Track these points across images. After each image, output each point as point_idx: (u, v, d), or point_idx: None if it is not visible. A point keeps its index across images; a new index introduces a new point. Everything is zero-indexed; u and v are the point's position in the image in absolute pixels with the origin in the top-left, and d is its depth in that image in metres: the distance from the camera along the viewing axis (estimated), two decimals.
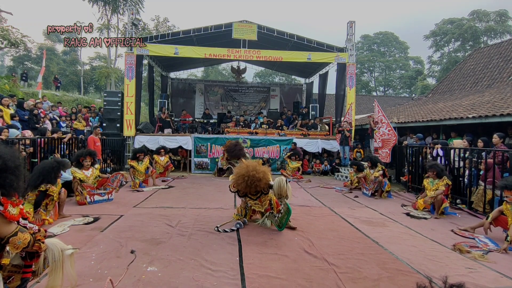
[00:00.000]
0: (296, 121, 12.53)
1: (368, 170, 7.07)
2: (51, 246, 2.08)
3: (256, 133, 11.03)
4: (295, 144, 10.14)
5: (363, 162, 7.99)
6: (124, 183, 7.10)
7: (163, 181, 8.36)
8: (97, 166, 6.11)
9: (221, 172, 9.56)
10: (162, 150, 9.25)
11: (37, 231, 2.05)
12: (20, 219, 1.98)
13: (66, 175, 5.48)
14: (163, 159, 9.07)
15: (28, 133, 6.38)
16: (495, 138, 5.58)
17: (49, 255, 2.06)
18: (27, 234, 1.92)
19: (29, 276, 2.06)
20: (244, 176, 3.95)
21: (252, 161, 4.23)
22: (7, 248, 1.87)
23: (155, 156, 8.89)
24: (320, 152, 10.98)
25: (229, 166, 8.91)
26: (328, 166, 10.61)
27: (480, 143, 5.78)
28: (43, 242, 2.03)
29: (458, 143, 6.59)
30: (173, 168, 9.82)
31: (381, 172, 6.72)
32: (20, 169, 1.95)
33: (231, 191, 4.35)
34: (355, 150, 10.35)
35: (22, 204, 2.07)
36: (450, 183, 5.32)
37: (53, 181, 4.18)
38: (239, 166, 4.15)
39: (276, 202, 4.20)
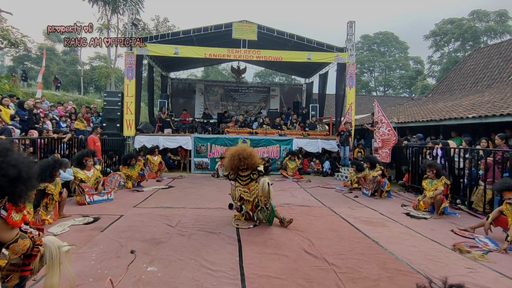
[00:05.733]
0: (294, 117, 12.61)
1: (368, 171, 7.07)
2: (48, 243, 2.06)
3: (256, 133, 11.03)
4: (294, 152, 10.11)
5: (362, 162, 7.98)
6: (123, 183, 7.11)
7: (157, 181, 8.35)
8: (98, 167, 6.12)
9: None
10: (156, 150, 9.23)
11: (36, 235, 2.05)
12: (22, 224, 1.98)
13: (66, 175, 5.48)
14: (156, 159, 9.04)
15: (36, 134, 6.41)
16: (497, 139, 5.58)
17: (47, 252, 2.05)
18: (27, 241, 1.92)
19: (28, 274, 2.06)
20: (235, 152, 4.36)
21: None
22: (4, 251, 1.87)
23: (148, 156, 8.84)
24: (320, 152, 10.98)
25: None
26: (329, 165, 10.60)
27: (483, 143, 5.78)
28: (41, 246, 2.03)
29: (451, 144, 6.64)
30: (166, 169, 9.77)
31: (380, 172, 6.72)
32: (32, 180, 1.94)
33: (226, 176, 4.68)
34: (356, 150, 10.36)
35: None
36: (449, 182, 5.30)
37: (48, 179, 4.16)
38: (229, 148, 4.75)
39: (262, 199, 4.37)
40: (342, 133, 9.86)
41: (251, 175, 4.41)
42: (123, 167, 7.36)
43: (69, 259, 2.17)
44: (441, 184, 5.16)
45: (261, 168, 4.42)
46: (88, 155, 5.74)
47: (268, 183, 4.10)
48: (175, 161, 10.85)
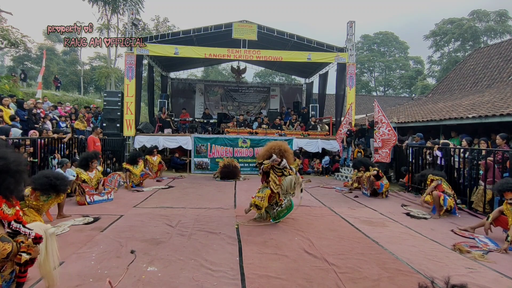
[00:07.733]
0: (293, 117, 12.62)
1: (362, 173, 7.09)
2: (35, 228, 2.09)
3: (256, 133, 11.02)
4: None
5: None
6: (122, 183, 7.12)
7: (157, 181, 8.34)
8: (100, 168, 6.13)
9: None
10: (155, 150, 9.22)
11: (32, 237, 1.99)
12: (13, 222, 1.96)
13: (67, 175, 5.48)
14: (155, 159, 9.02)
15: (37, 134, 6.41)
16: (498, 139, 5.58)
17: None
18: (8, 245, 1.81)
19: (24, 280, 2.09)
20: (274, 145, 4.53)
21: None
22: None
23: (147, 156, 8.82)
24: (320, 152, 10.97)
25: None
26: (328, 160, 10.58)
27: (483, 144, 5.78)
28: (29, 253, 1.95)
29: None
30: (166, 168, 9.76)
31: (374, 172, 6.65)
32: (21, 174, 1.97)
33: (259, 163, 4.65)
34: (356, 150, 10.35)
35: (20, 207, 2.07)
36: (435, 178, 5.30)
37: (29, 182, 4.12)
38: (268, 143, 4.76)
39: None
40: (353, 134, 9.87)
41: (284, 171, 4.52)
42: (128, 164, 7.42)
43: (55, 241, 2.23)
44: (428, 181, 5.33)
45: (294, 167, 4.61)
46: (96, 157, 5.82)
47: (301, 182, 4.43)
48: (184, 161, 10.75)
